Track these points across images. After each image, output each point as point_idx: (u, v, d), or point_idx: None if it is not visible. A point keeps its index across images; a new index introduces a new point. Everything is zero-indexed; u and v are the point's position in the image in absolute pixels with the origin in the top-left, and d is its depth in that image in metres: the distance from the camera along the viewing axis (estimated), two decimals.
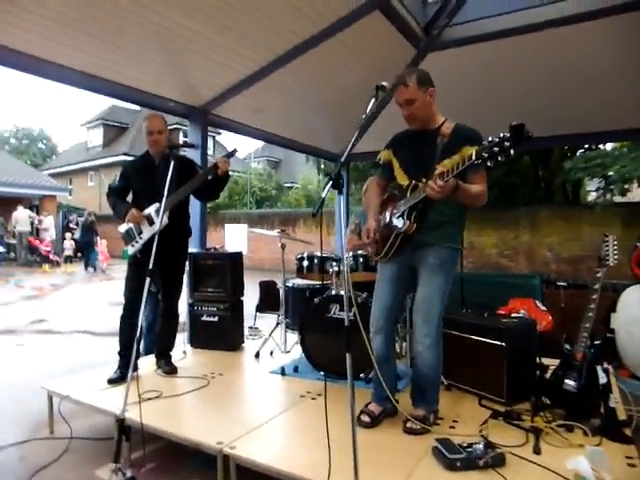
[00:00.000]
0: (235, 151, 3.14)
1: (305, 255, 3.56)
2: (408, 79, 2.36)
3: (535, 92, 4.79)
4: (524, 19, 4.07)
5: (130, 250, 3.23)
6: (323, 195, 1.89)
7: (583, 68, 4.40)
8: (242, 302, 4.13)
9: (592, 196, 11.66)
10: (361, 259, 3.36)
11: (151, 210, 3.18)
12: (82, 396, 2.87)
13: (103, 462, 2.61)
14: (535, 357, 2.92)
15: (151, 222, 3.17)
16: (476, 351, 2.91)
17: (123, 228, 3.26)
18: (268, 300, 4.73)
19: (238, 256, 4.12)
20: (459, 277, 3.61)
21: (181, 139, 24.41)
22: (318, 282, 3.82)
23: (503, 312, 3.91)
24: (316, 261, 3.49)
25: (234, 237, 16.12)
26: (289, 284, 3.91)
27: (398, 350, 3.55)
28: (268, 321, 4.87)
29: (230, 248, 4.36)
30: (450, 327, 2.92)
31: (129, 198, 3.37)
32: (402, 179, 2.52)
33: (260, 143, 26.69)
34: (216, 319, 3.98)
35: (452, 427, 2.48)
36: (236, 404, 2.82)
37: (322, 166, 16.66)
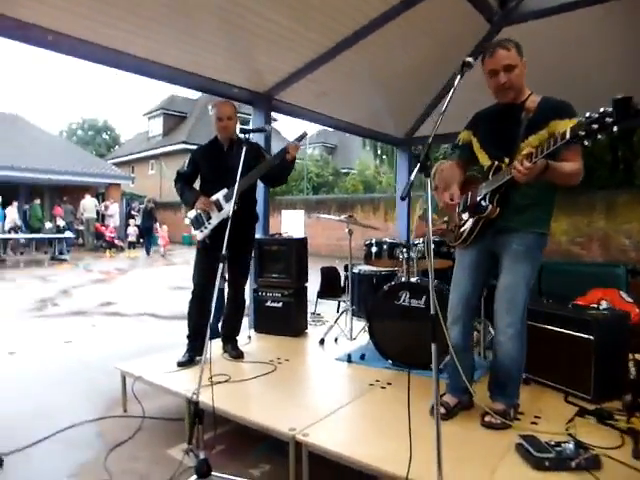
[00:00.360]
0: (305, 134, 3.09)
1: (374, 241, 3.47)
2: (508, 44, 2.20)
3: (621, 63, 4.37)
4: None
5: (199, 235, 3.27)
6: (412, 177, 1.77)
7: None
8: (306, 288, 4.11)
9: None
10: (433, 245, 3.21)
11: (219, 196, 3.20)
12: (154, 377, 2.96)
13: (174, 442, 2.70)
14: (627, 352, 2.68)
15: (220, 208, 3.20)
16: (559, 344, 2.71)
17: (192, 214, 3.31)
18: (330, 286, 4.69)
19: (303, 242, 4.10)
20: None
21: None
22: (385, 268, 3.73)
23: (582, 303, 3.64)
24: (385, 247, 3.39)
25: (291, 223, 16.33)
26: (355, 270, 3.84)
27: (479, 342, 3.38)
28: (329, 307, 4.87)
29: (288, 234, 4.33)
30: (530, 317, 2.73)
31: (196, 184, 3.42)
32: (484, 159, 2.37)
33: (315, 129, 26.79)
34: (280, 305, 3.98)
35: (534, 423, 2.32)
36: (304, 390, 2.81)
37: (378, 151, 16.44)
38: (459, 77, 1.98)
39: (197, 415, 2.23)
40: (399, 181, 7.21)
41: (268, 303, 4.00)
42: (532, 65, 4.75)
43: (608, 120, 1.69)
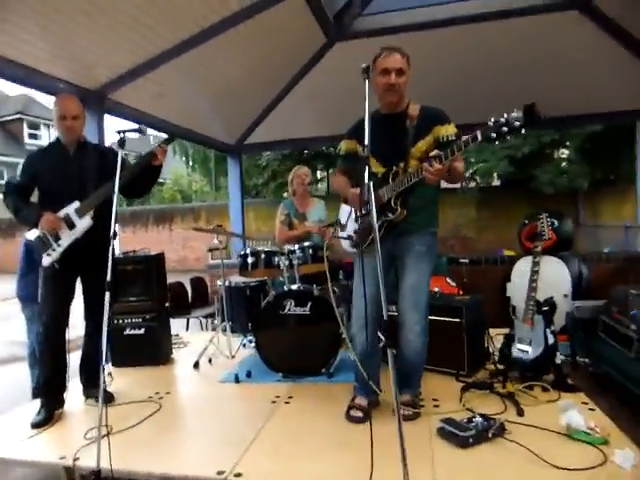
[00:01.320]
0: (173, 138, 2.75)
1: (249, 251, 3.31)
2: (403, 52, 2.36)
3: (446, 84, 5.07)
4: (432, 14, 4.33)
5: (45, 260, 2.65)
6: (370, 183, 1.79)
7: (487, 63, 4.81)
8: (168, 309, 3.71)
9: None
10: (310, 250, 3.25)
11: (69, 210, 2.64)
12: (7, 450, 2.30)
13: None
14: (484, 329, 3.16)
15: (71, 225, 2.64)
16: (435, 330, 3.02)
17: (33, 234, 2.67)
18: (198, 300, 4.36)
19: (161, 258, 3.68)
20: None
21: (26, 131, 21.13)
22: (254, 279, 3.62)
23: None
24: (263, 256, 3.27)
25: None
26: (219, 283, 3.63)
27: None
28: (178, 325, 4.48)
29: (144, 251, 3.85)
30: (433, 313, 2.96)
31: (33, 197, 2.77)
32: (375, 166, 2.46)
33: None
34: (142, 331, 3.51)
35: (436, 406, 2.55)
36: (207, 424, 2.51)
37: (190, 160, 15.81)
38: (367, 82, 2.04)
39: None
40: (231, 187, 7.08)
41: (127, 331, 3.48)
42: (359, 77, 5.24)
43: (517, 124, 1.90)
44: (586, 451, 1.99)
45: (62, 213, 2.63)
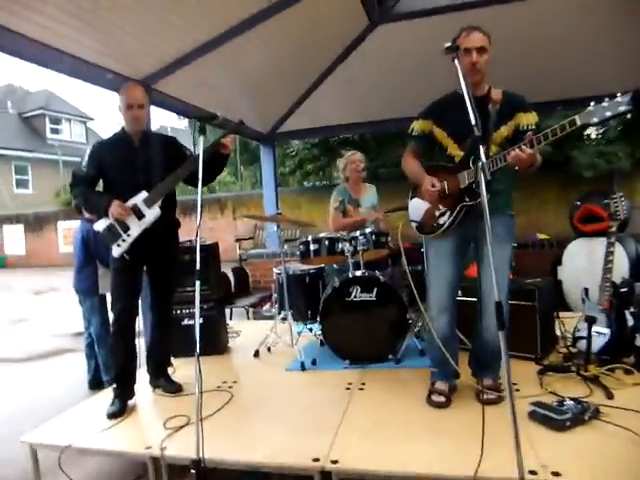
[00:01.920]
0: (242, 123, 2.71)
1: (310, 238, 3.27)
2: (484, 30, 2.27)
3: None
4: None
5: (116, 251, 2.64)
6: None
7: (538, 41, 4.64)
8: (224, 299, 3.71)
9: None
10: (373, 236, 3.20)
11: (137, 200, 2.62)
12: (90, 441, 2.30)
13: None
14: (555, 312, 3.08)
15: (140, 215, 2.62)
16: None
17: (102, 225, 2.65)
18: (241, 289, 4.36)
19: (216, 247, 3.67)
20: None
21: (48, 126, 21.41)
22: (312, 266, 3.58)
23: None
24: (326, 243, 3.23)
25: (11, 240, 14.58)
26: (277, 271, 3.61)
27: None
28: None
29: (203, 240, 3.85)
30: (470, 294, 2.91)
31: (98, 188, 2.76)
32: (454, 149, 2.40)
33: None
34: (200, 321, 3.49)
35: (518, 390, 2.48)
36: (288, 412, 2.49)
37: None
38: (457, 61, 1.96)
39: (201, 478, 1.78)
40: (265, 176, 7.04)
41: (185, 321, 3.48)
42: (400, 60, 5.11)
43: (622, 108, 1.81)
44: None
45: (130, 203, 2.61)
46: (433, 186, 2.34)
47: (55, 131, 21.61)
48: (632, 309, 2.72)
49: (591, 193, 4.85)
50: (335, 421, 2.28)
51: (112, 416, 2.53)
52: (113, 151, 2.68)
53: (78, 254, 3.68)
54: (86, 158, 2.67)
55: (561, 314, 3.21)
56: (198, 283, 2.04)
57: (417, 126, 2.53)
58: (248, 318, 5.01)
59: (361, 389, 2.69)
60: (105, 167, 2.66)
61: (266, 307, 5.26)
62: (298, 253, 3.38)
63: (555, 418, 2.04)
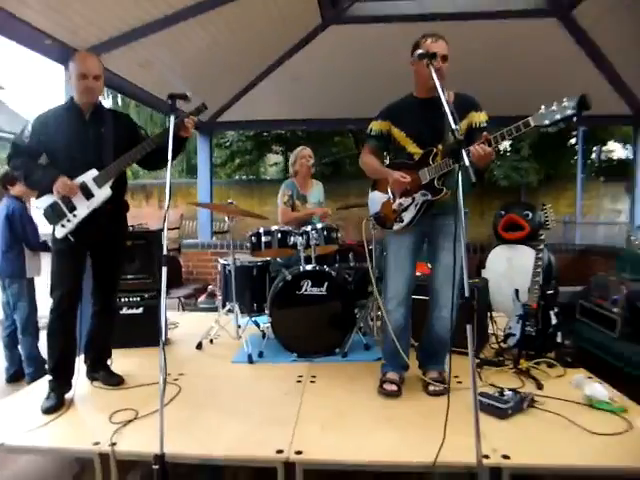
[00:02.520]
0: (205, 107, 2.60)
1: (262, 230, 3.24)
2: (441, 37, 2.40)
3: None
4: (429, 7, 4.42)
5: (59, 232, 2.43)
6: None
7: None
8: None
9: None
10: (325, 231, 3.24)
11: (86, 178, 2.44)
12: (27, 439, 2.11)
13: None
14: (488, 311, 3.33)
15: (89, 194, 2.44)
16: None
17: (45, 202, 2.44)
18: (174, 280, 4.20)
19: (159, 234, 3.50)
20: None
21: None
22: (259, 259, 3.55)
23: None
24: (278, 235, 3.21)
25: None
26: (224, 262, 3.54)
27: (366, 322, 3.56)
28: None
29: (143, 225, 3.66)
30: (419, 292, 3.06)
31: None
32: (412, 148, 2.50)
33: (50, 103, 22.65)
34: (140, 311, 3.36)
35: (459, 382, 2.65)
36: (241, 404, 2.45)
37: None
38: (431, 67, 2.07)
39: (165, 474, 1.70)
40: (200, 165, 6.83)
41: (124, 310, 3.30)
42: (346, 62, 5.21)
43: (569, 112, 1.96)
44: (611, 419, 2.19)
45: (78, 181, 2.42)
46: (403, 177, 2.43)
47: None
48: (556, 309, 3.02)
49: (513, 204, 5.29)
50: (292, 413, 2.29)
51: (48, 411, 2.32)
52: (61, 123, 2.46)
53: (2, 234, 3.34)
54: (29, 128, 2.43)
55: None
56: (165, 269, 1.96)
57: (375, 126, 2.62)
58: (183, 309, 4.84)
59: (312, 382, 2.73)
60: (51, 140, 2.43)
61: (201, 299, 5.11)
62: (248, 244, 3.33)
63: (499, 407, 2.23)
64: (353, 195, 11.60)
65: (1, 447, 2.06)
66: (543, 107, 2.04)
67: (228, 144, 11.00)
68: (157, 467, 1.68)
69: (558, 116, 2.00)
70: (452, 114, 2.32)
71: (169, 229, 3.68)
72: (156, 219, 11.31)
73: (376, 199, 2.65)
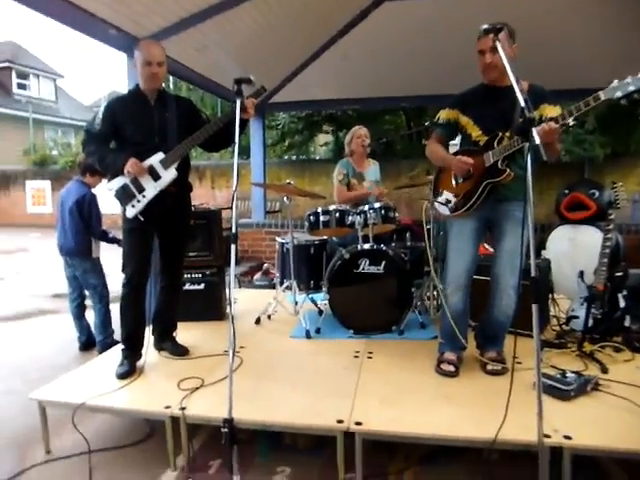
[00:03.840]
0: (264, 89, 2.65)
1: (320, 210, 3.29)
2: (496, 27, 2.27)
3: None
4: None
5: (130, 212, 2.58)
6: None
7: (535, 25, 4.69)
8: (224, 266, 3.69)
9: None
10: (382, 211, 3.25)
11: (153, 161, 2.56)
12: (105, 400, 2.30)
13: (154, 472, 2.17)
14: (549, 292, 3.23)
15: (156, 176, 2.57)
16: None
17: (117, 184, 2.59)
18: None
19: (219, 213, 3.64)
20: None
21: (14, 80, 20.18)
22: (317, 237, 3.60)
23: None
24: (336, 215, 3.25)
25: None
26: (283, 241, 3.62)
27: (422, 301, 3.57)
28: None
29: (204, 204, 3.80)
30: (479, 272, 3.01)
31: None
32: (477, 135, 2.48)
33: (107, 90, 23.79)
34: (202, 287, 3.52)
35: (519, 363, 2.60)
36: (302, 376, 2.55)
37: None
38: (498, 44, 2.00)
39: (233, 436, 1.81)
40: (254, 145, 6.95)
41: (187, 286, 3.46)
42: (399, 40, 5.07)
43: None
44: None
45: (147, 163, 2.55)
46: (464, 161, 2.41)
47: (22, 86, 20.40)
48: (624, 292, 2.89)
49: (579, 182, 5.05)
50: (351, 386, 2.35)
51: (122, 376, 2.52)
52: (128, 109, 2.59)
53: (72, 217, 3.57)
54: (100, 115, 2.58)
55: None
56: (233, 247, 2.01)
57: (443, 115, 2.61)
58: (240, 286, 5.01)
59: (370, 357, 2.78)
60: (120, 125, 2.57)
61: (257, 276, 5.27)
62: (306, 224, 3.39)
63: (561, 388, 2.18)
64: (404, 174, 11.43)
65: (82, 406, 2.25)
66: (616, 81, 1.94)
67: (279, 125, 11.10)
68: (226, 430, 1.79)
69: (632, 87, 1.89)
70: (524, 100, 2.25)
71: (224, 209, 3.80)
72: (210, 199, 11.72)
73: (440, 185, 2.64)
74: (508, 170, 2.34)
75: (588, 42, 4.73)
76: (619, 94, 1.93)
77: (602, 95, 1.97)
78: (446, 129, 2.61)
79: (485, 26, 2.20)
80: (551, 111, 2.35)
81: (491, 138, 2.40)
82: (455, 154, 2.54)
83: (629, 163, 10.38)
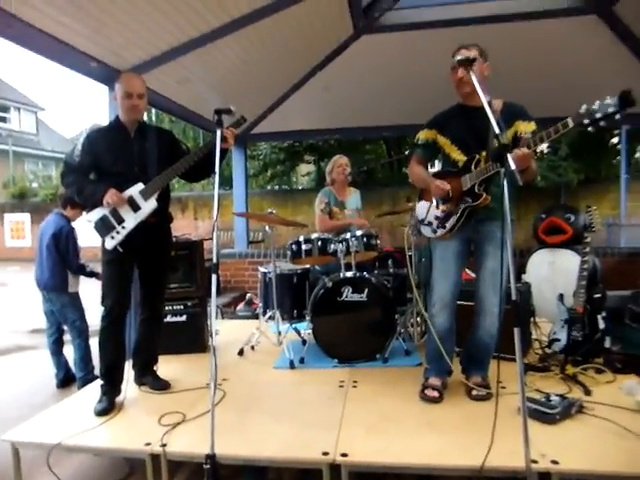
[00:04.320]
0: (244, 119, 2.69)
1: (302, 239, 3.29)
2: (471, 45, 2.41)
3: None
4: (461, 12, 4.41)
5: (109, 243, 2.56)
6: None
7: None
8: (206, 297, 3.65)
9: None
10: (364, 238, 3.27)
11: (132, 192, 2.56)
12: (82, 439, 2.21)
13: None
14: (531, 316, 3.27)
15: (136, 207, 2.56)
16: None
17: (96, 215, 2.57)
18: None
19: (201, 244, 3.62)
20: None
21: None
22: (300, 266, 3.60)
23: None
24: (318, 243, 3.26)
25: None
26: (265, 270, 3.60)
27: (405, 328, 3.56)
28: None
29: (185, 236, 3.78)
30: (461, 298, 3.03)
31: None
32: (456, 155, 2.52)
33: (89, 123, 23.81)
34: (183, 318, 3.46)
35: (503, 387, 2.60)
36: (286, 408, 2.50)
37: None
38: (472, 73, 2.07)
39: (215, 473, 1.75)
40: (236, 176, 6.99)
41: (168, 318, 3.40)
42: (378, 71, 5.22)
43: (610, 110, 1.89)
44: None
45: (126, 194, 2.54)
46: (443, 184, 2.45)
47: (2, 119, 20.36)
48: (603, 314, 2.93)
49: (555, 207, 5.18)
50: (336, 417, 2.31)
51: (101, 413, 2.44)
52: (108, 140, 2.60)
53: (49, 250, 3.52)
54: (79, 147, 2.58)
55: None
56: (214, 277, 1.99)
57: (422, 135, 2.66)
58: (222, 317, 4.94)
59: (354, 386, 2.74)
60: (99, 157, 2.57)
61: (240, 307, 5.22)
62: (289, 253, 3.39)
63: (546, 412, 2.18)
64: (386, 202, 11.59)
65: (58, 446, 2.16)
66: (584, 107, 1.98)
67: (261, 156, 11.22)
68: (208, 467, 1.73)
69: (599, 114, 1.92)
70: (497, 121, 2.30)
71: (206, 239, 3.79)
72: (192, 230, 11.68)
73: (422, 207, 2.67)
74: (484, 194, 2.38)
75: (565, 70, 4.93)
76: (586, 121, 1.96)
77: (570, 122, 2.00)
78: (426, 150, 2.66)
79: (459, 57, 2.29)
80: (525, 127, 2.39)
81: (468, 160, 2.45)
82: (435, 175, 2.59)
83: (602, 188, 10.73)
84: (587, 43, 4.76)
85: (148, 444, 2.11)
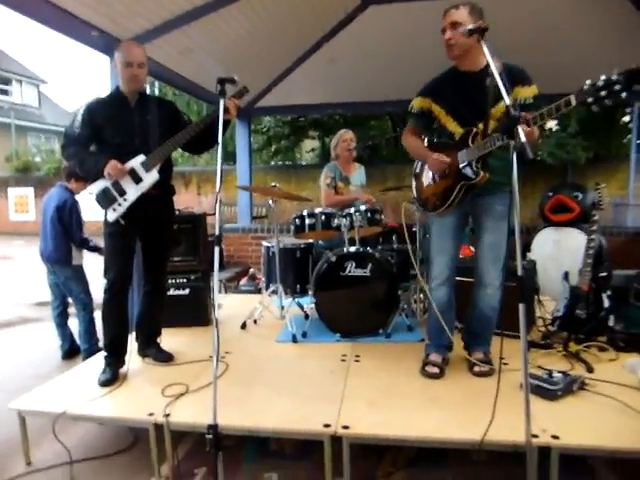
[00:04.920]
0: (246, 90, 2.62)
1: (306, 213, 3.27)
2: (461, 3, 2.26)
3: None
4: None
5: (111, 215, 2.53)
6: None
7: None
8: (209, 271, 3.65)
9: None
10: (368, 213, 3.24)
11: (134, 164, 2.52)
12: (87, 408, 2.25)
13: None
14: (535, 293, 3.25)
15: (138, 179, 2.52)
16: None
17: (97, 187, 2.54)
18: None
19: (204, 217, 3.60)
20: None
21: None
22: (303, 241, 3.58)
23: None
24: (322, 218, 3.23)
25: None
26: (268, 245, 3.59)
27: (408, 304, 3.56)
28: None
29: (188, 209, 3.76)
30: (463, 274, 3.01)
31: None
32: (452, 126, 2.41)
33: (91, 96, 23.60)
34: (187, 292, 3.47)
35: (506, 364, 2.60)
36: (288, 381, 2.52)
37: None
38: (482, 42, 1.97)
39: (218, 443, 1.77)
40: (239, 150, 6.91)
41: (171, 292, 3.41)
42: (385, 44, 5.08)
43: (617, 87, 1.74)
44: None
45: (127, 166, 2.51)
46: (442, 158, 2.35)
47: (4, 92, 20.16)
48: (608, 292, 2.91)
49: (562, 185, 5.09)
50: (338, 390, 2.33)
51: (105, 384, 2.47)
52: (108, 111, 2.54)
53: (52, 223, 3.51)
54: (79, 118, 2.52)
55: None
56: (217, 249, 1.97)
57: (416, 104, 2.53)
58: (225, 292, 4.96)
59: (357, 361, 2.75)
60: (99, 128, 2.52)
61: (243, 281, 5.23)
62: (292, 227, 3.36)
63: (548, 388, 2.18)
64: (390, 178, 11.48)
65: (63, 415, 2.19)
66: (588, 82, 1.82)
67: (265, 130, 11.10)
68: (211, 436, 1.75)
69: (604, 92, 1.77)
70: (505, 87, 2.15)
71: (209, 214, 3.76)
72: (195, 205, 11.65)
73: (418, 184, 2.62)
74: (482, 173, 2.29)
75: (578, 46, 4.78)
76: (590, 99, 1.79)
77: (573, 100, 1.85)
78: (421, 119, 2.53)
79: (470, 27, 2.16)
80: (525, 92, 2.28)
81: (466, 133, 2.34)
82: (430, 147, 2.50)
83: (611, 167, 10.57)
84: (602, 14, 4.59)
85: (151, 414, 2.14)
